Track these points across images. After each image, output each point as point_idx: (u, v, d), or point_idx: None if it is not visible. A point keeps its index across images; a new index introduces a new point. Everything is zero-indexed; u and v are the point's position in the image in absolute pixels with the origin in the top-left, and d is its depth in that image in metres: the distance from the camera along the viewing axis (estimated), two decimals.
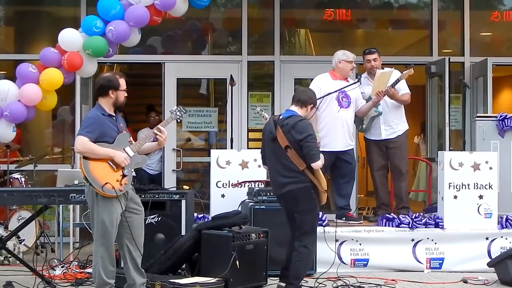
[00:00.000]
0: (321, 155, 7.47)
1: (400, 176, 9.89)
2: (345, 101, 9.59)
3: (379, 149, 9.93)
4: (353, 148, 9.85)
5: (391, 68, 9.88)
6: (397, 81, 9.63)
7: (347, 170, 9.68)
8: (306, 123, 7.52)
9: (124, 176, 7.06)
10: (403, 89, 9.85)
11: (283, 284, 7.81)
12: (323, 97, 9.34)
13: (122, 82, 7.24)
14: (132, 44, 9.77)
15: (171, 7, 9.39)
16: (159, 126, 7.39)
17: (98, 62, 9.70)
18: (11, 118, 9.15)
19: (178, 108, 7.68)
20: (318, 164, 7.36)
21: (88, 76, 10.33)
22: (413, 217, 9.30)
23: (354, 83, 9.74)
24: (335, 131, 9.45)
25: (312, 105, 7.74)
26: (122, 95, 7.24)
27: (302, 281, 7.73)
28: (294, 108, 7.68)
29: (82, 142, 6.95)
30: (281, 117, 7.65)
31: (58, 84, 9.28)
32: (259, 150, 8.14)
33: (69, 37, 9.29)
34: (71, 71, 9.34)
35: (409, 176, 10.50)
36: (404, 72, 9.69)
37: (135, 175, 7.44)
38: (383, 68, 9.92)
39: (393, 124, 9.84)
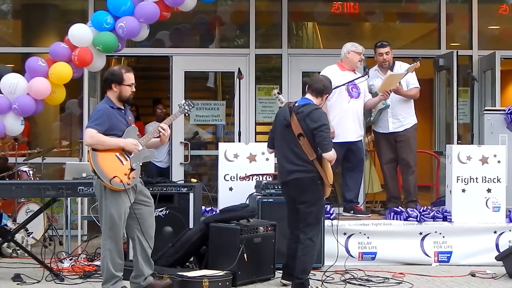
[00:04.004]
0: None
1: (408, 169, 9.86)
2: (355, 91, 9.61)
3: (387, 142, 9.92)
4: (362, 140, 9.86)
5: (403, 72, 9.83)
6: (405, 74, 9.61)
7: (356, 162, 9.68)
8: (322, 112, 7.49)
9: (132, 169, 7.07)
10: (413, 83, 9.83)
11: (286, 282, 7.82)
12: (333, 89, 9.34)
13: (128, 77, 7.19)
14: (141, 39, 9.79)
15: (181, 3, 9.40)
16: (166, 121, 7.41)
17: (106, 56, 9.70)
18: (20, 111, 9.16)
19: (186, 102, 7.67)
20: (330, 154, 7.31)
21: (97, 71, 10.34)
22: (421, 210, 9.29)
23: (362, 76, 9.73)
24: (346, 122, 9.46)
25: (327, 94, 7.72)
26: (127, 90, 7.20)
27: (310, 274, 7.70)
28: (310, 97, 7.64)
29: (91, 135, 6.96)
30: (296, 104, 7.61)
31: (67, 78, 9.29)
32: (267, 141, 8.13)
33: (79, 33, 9.29)
34: (81, 67, 9.36)
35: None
36: (410, 66, 9.66)
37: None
38: (394, 62, 9.89)
39: (401, 118, 9.81)
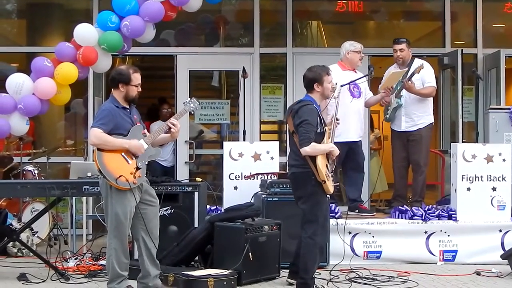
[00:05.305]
0: (314, 144, 7.23)
1: (417, 169, 9.80)
2: (356, 91, 9.61)
3: (400, 140, 9.86)
4: (361, 140, 9.84)
5: (399, 67, 9.82)
6: (412, 74, 9.56)
7: (358, 161, 9.68)
8: (309, 108, 7.39)
9: (138, 168, 7.07)
10: (428, 81, 9.72)
11: (291, 281, 7.81)
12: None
13: (135, 77, 7.20)
14: (147, 40, 9.78)
15: (186, 2, 9.41)
16: (172, 118, 7.39)
17: (111, 56, 9.71)
18: (25, 111, 9.18)
19: (192, 100, 7.67)
20: (306, 150, 7.21)
21: (103, 72, 10.32)
22: (426, 209, 9.28)
23: (366, 75, 9.74)
24: (348, 121, 9.44)
25: (316, 82, 7.51)
26: (133, 90, 7.20)
27: (316, 273, 7.70)
28: (308, 93, 7.62)
29: (96, 134, 6.96)
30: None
31: (73, 79, 9.31)
32: (272, 142, 8.11)
33: (85, 32, 9.32)
34: (86, 66, 9.38)
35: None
36: (417, 67, 9.59)
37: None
38: (413, 59, 9.83)
39: (414, 117, 9.73)
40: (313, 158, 7.27)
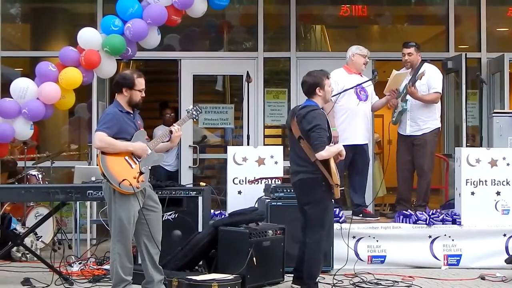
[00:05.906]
0: (327, 147, 7.28)
1: (422, 173, 9.78)
2: (363, 94, 9.63)
3: (406, 144, 9.85)
4: (368, 143, 9.84)
5: (407, 69, 9.81)
6: (415, 80, 9.55)
7: (363, 165, 9.68)
8: (317, 113, 7.39)
9: (141, 173, 7.08)
10: (433, 87, 9.69)
11: (296, 286, 7.78)
12: (341, 92, 9.36)
13: (139, 82, 7.22)
14: (152, 46, 9.74)
15: (190, 5, 9.42)
16: (174, 124, 7.41)
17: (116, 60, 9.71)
18: (30, 116, 9.19)
19: (194, 108, 7.70)
20: (322, 154, 7.23)
21: (108, 77, 10.30)
22: (430, 213, 9.28)
23: (371, 79, 9.74)
24: (355, 124, 9.46)
25: (318, 87, 7.51)
26: (137, 95, 7.23)
27: (319, 277, 7.71)
28: (312, 99, 7.61)
29: (100, 138, 6.97)
30: (299, 106, 7.64)
31: (77, 84, 9.31)
32: (276, 146, 8.08)
33: (88, 36, 9.32)
34: (89, 69, 9.37)
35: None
36: (419, 73, 9.58)
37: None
38: (422, 63, 9.80)
39: (419, 121, 9.72)
40: (326, 162, 7.27)
